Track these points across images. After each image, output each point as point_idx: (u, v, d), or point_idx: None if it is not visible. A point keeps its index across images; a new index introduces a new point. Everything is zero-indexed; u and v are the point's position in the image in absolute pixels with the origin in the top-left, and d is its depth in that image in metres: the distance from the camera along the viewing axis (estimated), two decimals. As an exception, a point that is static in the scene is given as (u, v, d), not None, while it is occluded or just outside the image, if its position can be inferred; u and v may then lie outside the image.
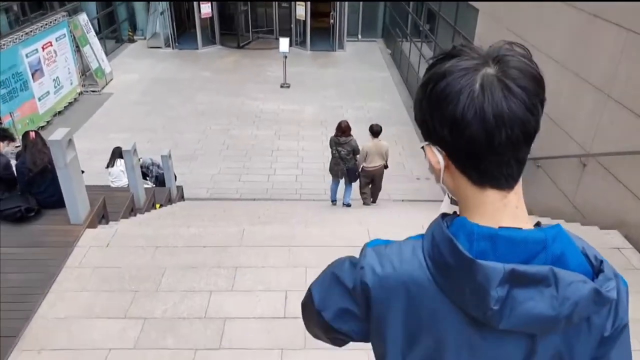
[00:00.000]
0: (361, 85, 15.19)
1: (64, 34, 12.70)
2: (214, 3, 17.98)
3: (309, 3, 17.71)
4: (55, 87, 12.16)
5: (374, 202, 8.21)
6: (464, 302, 0.79)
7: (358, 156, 7.49)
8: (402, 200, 9.25)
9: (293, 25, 18.72)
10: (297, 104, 13.72)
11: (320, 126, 12.41)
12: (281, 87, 14.88)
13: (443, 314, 0.82)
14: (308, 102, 13.88)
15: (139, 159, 9.07)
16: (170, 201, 7.81)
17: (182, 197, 8.73)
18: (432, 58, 0.83)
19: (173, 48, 18.24)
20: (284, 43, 14.57)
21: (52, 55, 12.03)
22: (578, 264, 0.79)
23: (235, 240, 4.28)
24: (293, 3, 18.25)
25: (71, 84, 13.06)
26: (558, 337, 0.81)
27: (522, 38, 6.86)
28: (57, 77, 12.27)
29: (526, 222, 0.81)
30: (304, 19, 18.08)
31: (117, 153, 8.65)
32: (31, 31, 11.19)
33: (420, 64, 13.45)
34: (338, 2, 17.94)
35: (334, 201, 8.18)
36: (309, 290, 1.01)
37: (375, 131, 7.59)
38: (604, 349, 0.84)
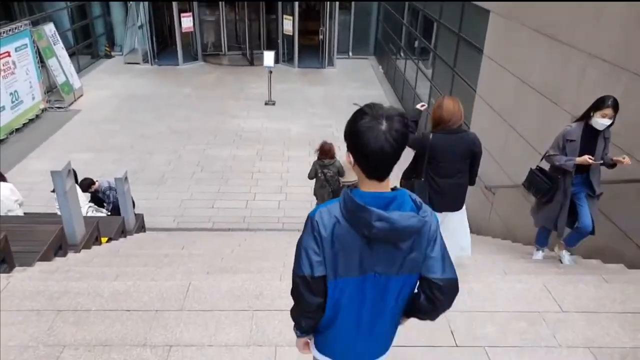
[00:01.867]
0: (353, 102, 14.04)
1: (26, 44, 11.48)
2: (197, 17, 16.93)
3: (296, 17, 16.72)
4: (12, 101, 10.88)
5: None
6: (360, 229, 1.64)
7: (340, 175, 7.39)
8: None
9: (280, 41, 17.69)
10: (283, 122, 12.54)
11: (308, 146, 11.18)
12: (266, 104, 13.72)
13: (351, 236, 1.65)
14: (295, 120, 12.70)
15: (94, 182, 7.81)
16: (123, 233, 6.48)
17: (142, 227, 7.40)
18: (353, 118, 1.64)
19: (152, 64, 17.09)
20: (268, 57, 13.47)
21: (9, 67, 10.77)
22: (410, 207, 1.69)
23: (175, 300, 2.98)
24: (280, 17, 17.26)
25: (33, 99, 11.78)
26: (409, 243, 1.69)
27: (554, 37, 5.75)
28: (15, 91, 11.00)
29: (388, 189, 1.68)
30: (291, 34, 17.06)
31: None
32: (-17, 39, 9.98)
33: (418, 79, 12.37)
34: (328, 18, 16.97)
35: None
36: (296, 276, 1.75)
37: None
38: (429, 247, 1.73)
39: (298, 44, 17.27)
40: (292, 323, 1.91)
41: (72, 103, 13.06)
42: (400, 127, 1.58)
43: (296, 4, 16.47)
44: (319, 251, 1.70)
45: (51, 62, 12.44)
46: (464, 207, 4.25)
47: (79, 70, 15.82)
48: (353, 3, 18.53)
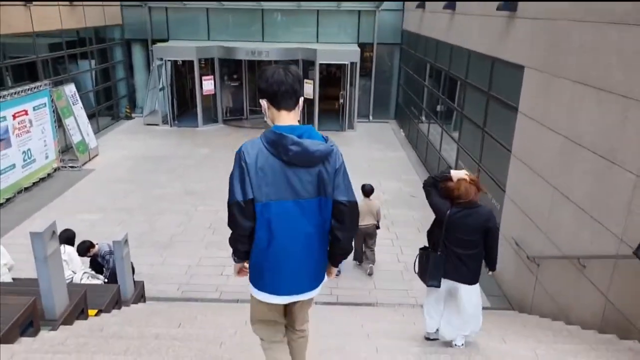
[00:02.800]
0: (374, 164, 13.50)
1: (44, 103, 11.37)
2: (218, 80, 16.98)
3: (317, 81, 16.62)
4: (24, 160, 10.58)
5: (372, 262, 8.06)
6: (279, 154, 2.13)
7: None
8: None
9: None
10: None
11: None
12: (284, 165, 13.22)
13: (272, 161, 2.12)
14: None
15: (94, 245, 7.17)
16: (118, 304, 5.74)
17: (141, 297, 6.65)
18: (261, 73, 2.39)
19: (171, 125, 16.99)
20: (288, 118, 13.12)
21: (25, 125, 10.58)
22: (319, 137, 2.24)
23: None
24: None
25: (46, 157, 11.51)
26: (318, 168, 2.17)
27: (603, 88, 5.11)
28: (29, 150, 10.73)
29: (295, 121, 2.28)
30: (311, 97, 16.91)
31: (63, 238, 6.74)
32: (2, 97, 9.81)
33: (443, 141, 11.79)
34: (348, 83, 16.84)
35: None
36: (230, 205, 2.31)
37: (366, 191, 7.85)
38: (336, 174, 2.22)
39: (318, 107, 17.06)
40: None
41: (86, 162, 12.76)
42: (292, 68, 2.27)
43: (317, 68, 16.42)
44: (246, 178, 2.16)
45: (68, 122, 12.29)
46: (477, 285, 4.22)
47: (98, 130, 15.77)
48: (374, 69, 18.50)
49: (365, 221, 7.64)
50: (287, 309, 2.67)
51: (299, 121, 2.40)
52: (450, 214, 3.91)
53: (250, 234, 2.33)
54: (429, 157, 13.16)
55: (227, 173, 10.59)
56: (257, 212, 2.22)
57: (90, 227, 9.32)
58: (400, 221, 9.97)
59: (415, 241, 9.10)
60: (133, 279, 6.64)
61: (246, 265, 2.60)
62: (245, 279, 2.63)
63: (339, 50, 16.89)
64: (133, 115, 18.08)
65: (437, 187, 4.08)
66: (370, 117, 18.86)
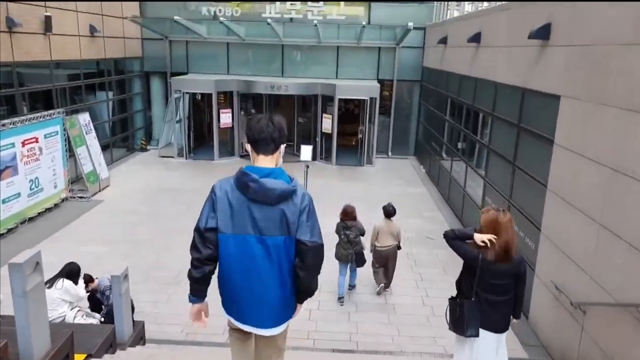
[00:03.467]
0: (394, 200, 12.74)
1: (57, 131, 11.15)
2: (237, 114, 16.77)
3: (335, 116, 16.30)
4: (31, 189, 10.25)
5: (387, 286, 7.89)
6: (244, 191, 2.40)
7: (365, 237, 7.61)
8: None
9: (318, 139, 17.17)
10: (320, 217, 11.36)
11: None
12: (300, 200, 12.71)
13: (238, 196, 2.39)
14: (331, 216, 11.49)
15: (93, 279, 6.65)
16: (112, 347, 5.14)
17: (140, 339, 6.05)
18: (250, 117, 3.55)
19: (186, 158, 16.71)
20: (306, 151, 12.71)
21: (34, 153, 10.31)
22: (285, 179, 2.46)
23: None
24: (319, 116, 16.91)
25: (55, 187, 11.19)
26: (281, 207, 2.37)
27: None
28: (36, 178, 10.42)
29: (272, 165, 2.54)
30: (330, 132, 16.57)
31: (64, 271, 6.27)
32: (12, 123, 9.58)
33: (468, 178, 11.19)
34: (367, 119, 16.50)
35: (341, 298, 7.67)
36: (194, 230, 2.53)
37: (388, 212, 7.72)
38: (300, 215, 2.39)
39: (336, 142, 16.68)
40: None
41: (96, 193, 12.42)
42: (276, 118, 2.55)
43: (336, 103, 16.14)
44: (213, 209, 2.41)
45: (80, 151, 12.04)
46: (505, 334, 4.06)
47: (112, 161, 15.54)
48: (393, 105, 18.18)
49: (386, 242, 7.63)
50: (256, 340, 2.86)
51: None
52: (483, 258, 3.79)
53: (210, 262, 2.52)
54: (452, 194, 12.54)
55: None
56: (220, 243, 2.45)
57: (95, 260, 8.82)
58: (425, 261, 9.29)
59: (441, 282, 8.42)
60: (132, 318, 6.07)
61: (204, 308, 2.83)
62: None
63: (358, 85, 16.64)
64: (148, 147, 17.89)
65: (461, 239, 4.01)
66: (389, 153, 18.40)
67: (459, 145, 12.46)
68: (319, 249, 2.48)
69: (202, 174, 15.04)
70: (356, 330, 6.96)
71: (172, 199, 12.52)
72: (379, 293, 7.81)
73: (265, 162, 2.49)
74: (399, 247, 7.77)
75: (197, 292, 2.68)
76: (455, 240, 4.01)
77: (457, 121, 12.54)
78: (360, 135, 17.25)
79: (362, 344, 6.69)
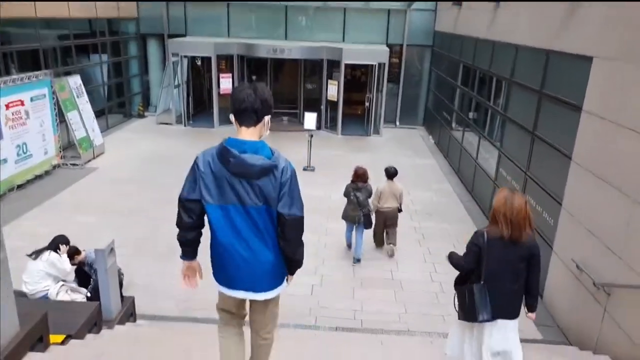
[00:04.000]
0: (402, 172, 12.11)
1: (44, 94, 10.54)
2: (237, 79, 16.06)
3: (342, 83, 15.57)
4: (18, 155, 9.72)
5: (393, 244, 7.94)
6: (225, 165, 2.38)
7: (371, 199, 7.54)
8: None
9: (323, 107, 16.49)
10: (322, 189, 10.87)
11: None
12: (304, 170, 12.18)
13: (219, 168, 2.36)
14: (336, 187, 10.95)
15: (80, 251, 6.18)
16: (97, 325, 4.70)
17: (130, 315, 5.62)
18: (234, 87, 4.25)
19: (185, 125, 16.11)
20: (310, 119, 12.11)
21: (20, 117, 9.74)
22: (266, 153, 2.42)
23: None
24: (324, 82, 16.18)
25: (45, 153, 10.66)
26: (262, 181, 2.35)
27: None
28: (24, 144, 9.88)
29: (254, 138, 2.51)
30: (335, 99, 15.87)
31: (53, 244, 5.81)
32: (-5, 84, 8.99)
33: (480, 148, 10.59)
34: (376, 84, 15.75)
35: (349, 245, 7.94)
36: (178, 201, 2.58)
37: (390, 173, 7.78)
38: (281, 188, 2.39)
39: (342, 111, 15.99)
40: None
41: (89, 161, 11.90)
42: (260, 88, 2.47)
43: (342, 69, 15.38)
44: (194, 181, 2.44)
45: (71, 115, 11.45)
46: (517, 319, 3.77)
47: (107, 128, 14.97)
48: (402, 72, 17.40)
49: (387, 204, 7.68)
50: (250, 309, 2.87)
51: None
52: (489, 247, 3.50)
53: (192, 230, 2.61)
54: (462, 166, 11.96)
55: None
56: (207, 212, 2.50)
57: (86, 230, 8.34)
58: (433, 235, 8.79)
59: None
60: (121, 293, 5.63)
61: (194, 266, 2.86)
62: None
63: (366, 50, 15.84)
64: (146, 113, 17.27)
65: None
66: (397, 123, 17.73)
67: (472, 114, 11.82)
68: (298, 222, 2.52)
69: (201, 142, 14.43)
70: (361, 308, 6.52)
71: (168, 168, 11.98)
72: (391, 255, 7.87)
73: (247, 134, 2.48)
74: (399, 210, 7.80)
75: (186, 253, 2.83)
76: (457, 262, 3.83)
77: (470, 89, 11.84)
78: (367, 104, 16.55)
79: (366, 322, 6.25)
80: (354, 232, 7.73)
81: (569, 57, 6.59)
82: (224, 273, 2.66)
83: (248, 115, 2.43)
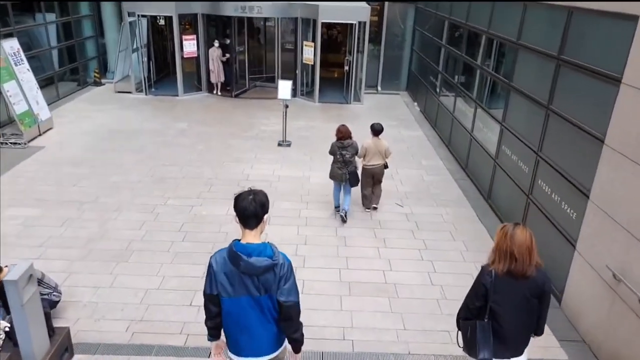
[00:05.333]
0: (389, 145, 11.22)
1: (-29, 62, 8.91)
2: (203, 42, 14.43)
3: (319, 44, 14.13)
4: (-59, 135, 8.20)
5: (375, 206, 8.05)
6: (236, 267, 2.70)
7: (357, 155, 7.60)
8: None
9: (298, 72, 15.08)
10: (300, 169, 9.69)
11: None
12: (279, 145, 10.94)
13: (230, 268, 2.70)
14: (315, 166, 9.85)
15: (5, 268, 4.91)
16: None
17: (66, 350, 4.45)
18: (236, 194, 2.86)
19: (146, 94, 14.52)
20: (284, 87, 10.77)
21: (-59, 90, 8.16)
22: (268, 254, 2.74)
23: None
24: (299, 45, 14.70)
25: (-22, 132, 9.13)
26: (264, 277, 2.70)
27: None
28: (-51, 122, 8.35)
29: (257, 240, 2.79)
30: (312, 62, 14.46)
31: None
32: None
33: (478, 119, 9.49)
34: (356, 45, 14.35)
35: (337, 207, 7.92)
36: (203, 294, 2.86)
37: (376, 130, 7.74)
38: (280, 280, 2.73)
39: (319, 76, 14.61)
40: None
41: (34, 138, 10.40)
42: (258, 197, 2.80)
43: (319, 28, 13.90)
44: (213, 279, 2.78)
45: (8, 87, 9.85)
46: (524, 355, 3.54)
47: (58, 98, 13.35)
48: (384, 32, 15.99)
49: (373, 161, 7.72)
50: None
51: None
52: (496, 283, 3.28)
53: (217, 316, 2.94)
54: (454, 138, 10.88)
55: (206, 155, 10.12)
56: (222, 302, 2.84)
57: (22, 228, 7.07)
58: (427, 223, 7.76)
59: (450, 252, 6.94)
60: (50, 324, 4.43)
61: (221, 344, 3.19)
62: None
63: (345, 7, 14.34)
64: (103, 80, 15.57)
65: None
66: (379, 88, 16.48)
67: (462, 78, 10.67)
68: (294, 306, 2.86)
69: (163, 113, 13.00)
70: (351, 324, 5.47)
71: (127, 143, 10.59)
72: (374, 208, 8.04)
73: (250, 236, 2.79)
74: (386, 166, 7.87)
75: (213, 335, 3.15)
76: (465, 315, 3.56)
77: (464, 53, 10.62)
78: (346, 67, 15.20)
79: (358, 343, 5.22)
80: (341, 192, 7.77)
81: (602, 16, 5.43)
82: (234, 344, 3.06)
83: (251, 220, 2.76)
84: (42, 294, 4.76)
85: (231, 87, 14.92)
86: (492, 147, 8.46)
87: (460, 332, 3.66)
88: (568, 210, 5.85)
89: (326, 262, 6.58)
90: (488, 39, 9.11)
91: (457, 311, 3.70)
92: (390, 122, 12.70)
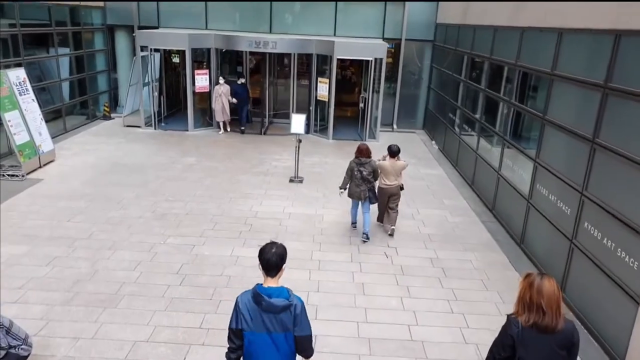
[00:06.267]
0: (408, 184, 10.47)
1: (-28, 90, 8.50)
2: (214, 76, 14.09)
3: (333, 80, 13.71)
4: None
5: (393, 228, 7.88)
6: (258, 305, 3.03)
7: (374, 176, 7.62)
8: None
9: (312, 108, 14.61)
10: (312, 207, 8.99)
11: (349, 244, 7.53)
12: (290, 181, 10.28)
13: (254, 307, 3.04)
14: (329, 204, 9.15)
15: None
16: None
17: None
18: (262, 248, 3.20)
19: (156, 128, 14.09)
20: (298, 121, 10.22)
21: None
22: (284, 296, 3.06)
23: None
24: (314, 81, 14.29)
25: (-27, 162, 8.61)
26: (281, 315, 3.03)
27: None
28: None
29: (276, 284, 3.13)
30: (326, 99, 14.00)
31: None
32: None
33: (505, 157, 8.78)
34: (372, 82, 13.91)
35: (354, 223, 8.00)
36: (228, 328, 3.12)
37: (393, 151, 7.85)
38: (295, 318, 3.06)
39: (334, 113, 14.10)
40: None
41: (33, 170, 9.87)
42: (278, 250, 3.15)
43: (334, 64, 13.51)
44: (238, 316, 3.09)
45: (9, 116, 9.41)
46: None
47: (65, 131, 12.96)
48: (400, 69, 15.59)
49: (389, 181, 7.81)
50: None
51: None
52: (522, 338, 2.99)
53: (239, 349, 3.20)
54: (479, 177, 10.15)
55: (213, 190, 9.32)
56: (245, 337, 3.14)
57: (5, 266, 6.37)
58: (455, 269, 6.93)
59: (483, 304, 6.09)
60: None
61: None
62: None
63: (361, 43, 14.00)
64: (113, 115, 15.22)
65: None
66: (395, 126, 15.93)
67: (488, 116, 10.04)
68: (307, 339, 3.19)
69: (171, 147, 12.49)
70: (371, 389, 4.62)
71: (130, 177, 10.01)
72: (390, 234, 7.90)
73: (271, 282, 3.16)
74: (401, 188, 7.94)
75: None
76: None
77: (489, 87, 10.04)
78: (362, 104, 14.71)
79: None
80: (359, 209, 7.82)
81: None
82: None
83: (273, 269, 3.14)
84: (9, 346, 4.04)
85: (244, 126, 14.39)
86: (524, 186, 7.71)
87: None
88: (627, 259, 5.03)
89: (342, 313, 5.76)
90: (516, 72, 8.51)
91: None
92: (408, 160, 11.95)
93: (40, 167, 10.17)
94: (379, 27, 15.35)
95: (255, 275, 6.59)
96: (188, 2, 15.01)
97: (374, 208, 7.98)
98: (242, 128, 14.33)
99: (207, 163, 11.30)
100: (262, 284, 3.18)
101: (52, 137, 10.93)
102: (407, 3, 14.93)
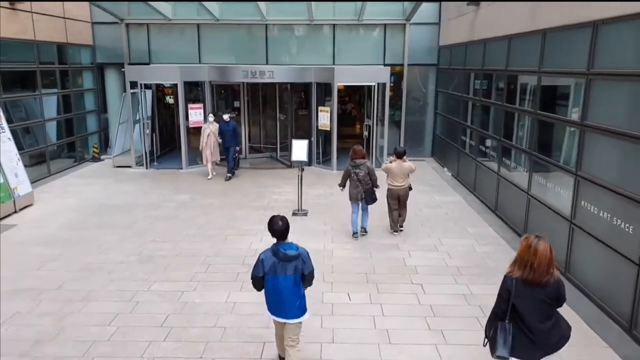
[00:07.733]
0: (425, 213, 9.44)
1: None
2: (209, 110, 13.29)
3: (335, 109, 12.89)
4: None
5: (401, 227, 8.33)
6: (277, 257, 4.19)
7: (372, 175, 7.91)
8: None
9: (314, 139, 13.73)
10: (320, 241, 7.93)
11: (368, 283, 6.40)
12: (294, 214, 9.23)
13: (273, 258, 4.19)
14: (338, 237, 8.09)
15: None
16: None
17: None
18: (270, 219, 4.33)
19: (147, 167, 13.17)
20: (299, 147, 9.29)
21: None
22: (294, 249, 4.24)
23: None
24: (314, 110, 13.47)
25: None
26: (295, 262, 4.20)
27: None
28: None
29: (287, 241, 4.32)
30: (328, 128, 13.14)
31: None
32: None
33: (534, 174, 7.76)
34: (375, 109, 13.09)
35: (355, 233, 8.05)
36: (253, 276, 4.27)
37: (399, 152, 8.06)
38: (304, 264, 4.24)
39: (337, 143, 13.21)
40: None
41: (7, 216, 8.89)
42: (285, 221, 4.21)
43: (335, 91, 12.73)
44: (260, 266, 4.12)
45: (-20, 157, 8.51)
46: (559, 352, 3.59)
47: (49, 174, 12.05)
48: (404, 96, 14.82)
49: (398, 182, 8.00)
50: (285, 327, 4.37)
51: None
52: (515, 289, 3.48)
53: (259, 288, 4.28)
54: (503, 201, 9.09)
55: (209, 227, 8.82)
56: (266, 279, 4.20)
57: (-47, 326, 5.27)
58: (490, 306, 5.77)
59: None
60: None
61: None
62: None
63: (362, 69, 13.27)
64: (102, 157, 14.35)
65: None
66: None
67: (508, 133, 9.10)
68: (311, 273, 4.25)
69: (163, 186, 11.51)
70: None
71: (115, 219, 8.99)
72: (400, 230, 8.28)
73: (285, 242, 4.22)
74: (410, 188, 8.15)
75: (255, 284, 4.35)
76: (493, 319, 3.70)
77: (505, 102, 9.14)
78: (366, 133, 13.83)
79: None
80: (359, 214, 7.99)
81: None
82: (274, 308, 4.29)
83: (281, 235, 4.18)
84: None
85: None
86: (565, 206, 6.66)
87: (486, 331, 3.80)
88: None
89: (360, 353, 4.62)
90: (538, 80, 7.61)
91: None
92: (420, 187, 10.99)
93: (15, 211, 9.18)
94: (380, 53, 14.68)
95: (255, 326, 5.47)
96: (180, 36, 14.41)
97: (374, 208, 8.22)
98: (229, 175, 12.14)
99: (201, 200, 10.29)
100: (276, 244, 4.19)
101: (34, 182, 9.99)
102: (407, 26, 14.30)
